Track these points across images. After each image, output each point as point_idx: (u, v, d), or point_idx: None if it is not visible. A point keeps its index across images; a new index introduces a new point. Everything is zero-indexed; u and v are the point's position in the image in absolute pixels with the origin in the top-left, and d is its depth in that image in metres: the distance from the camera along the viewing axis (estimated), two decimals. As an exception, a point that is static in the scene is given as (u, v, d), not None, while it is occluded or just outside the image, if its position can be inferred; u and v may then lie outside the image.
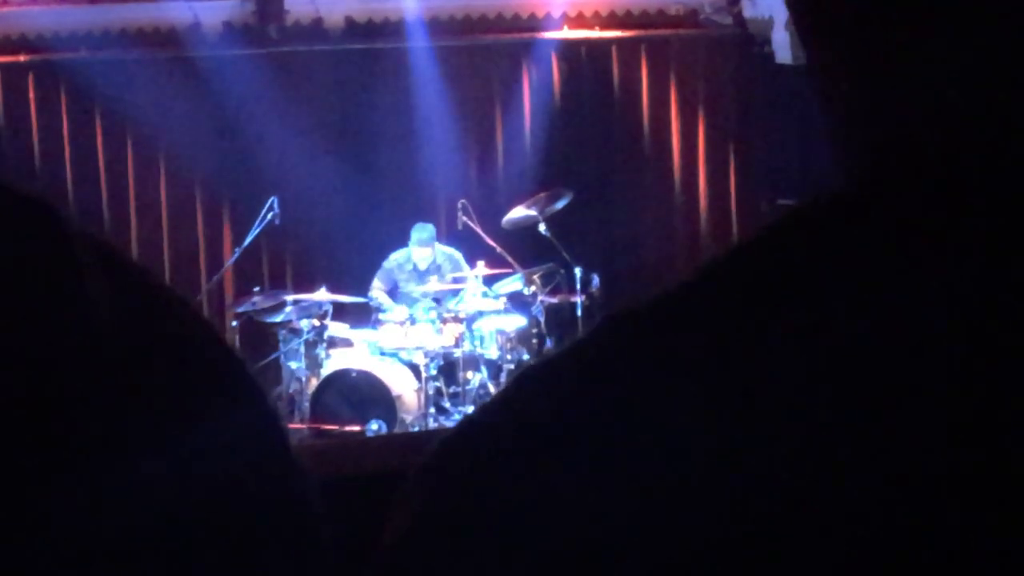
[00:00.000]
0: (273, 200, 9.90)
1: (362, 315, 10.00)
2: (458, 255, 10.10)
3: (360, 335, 9.71)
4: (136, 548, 0.74)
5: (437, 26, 11.32)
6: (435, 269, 9.94)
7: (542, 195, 10.16)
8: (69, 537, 0.72)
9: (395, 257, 10.05)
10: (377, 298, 9.89)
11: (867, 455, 0.63)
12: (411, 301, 9.76)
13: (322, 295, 9.51)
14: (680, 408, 0.66)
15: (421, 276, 9.91)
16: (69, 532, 0.72)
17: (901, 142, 0.70)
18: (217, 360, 0.83)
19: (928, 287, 0.65)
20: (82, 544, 0.72)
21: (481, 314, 9.63)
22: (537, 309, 9.70)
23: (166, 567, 0.75)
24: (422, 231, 9.95)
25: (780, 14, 10.81)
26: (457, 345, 9.49)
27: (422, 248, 9.90)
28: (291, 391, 9.48)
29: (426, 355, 9.36)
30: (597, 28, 11.57)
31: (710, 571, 0.64)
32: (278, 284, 10.83)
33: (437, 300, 9.70)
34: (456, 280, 9.87)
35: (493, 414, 0.73)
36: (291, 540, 0.81)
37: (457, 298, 9.74)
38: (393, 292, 10.03)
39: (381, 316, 9.67)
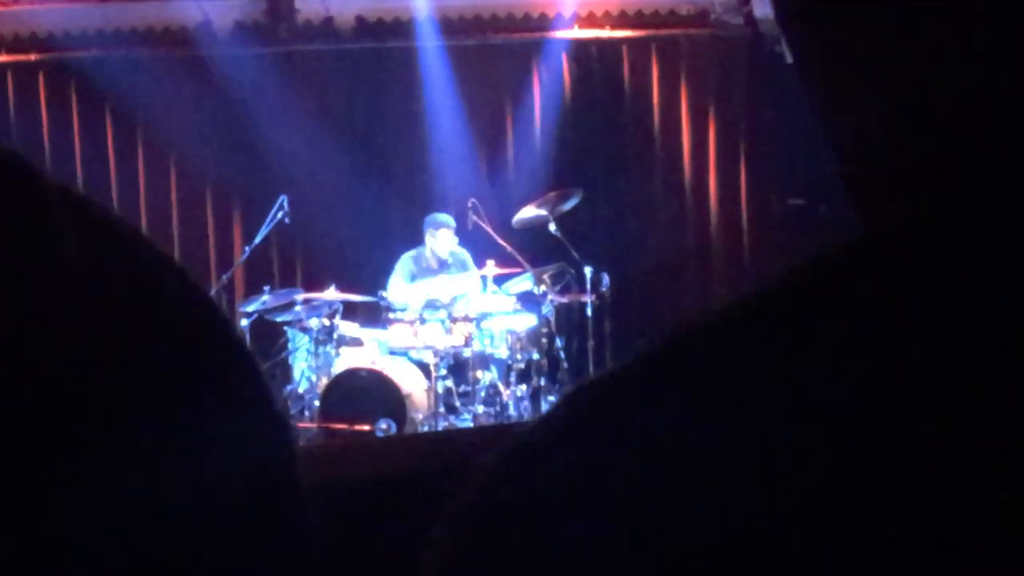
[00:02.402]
0: (283, 199, 9.90)
1: (372, 314, 9.99)
2: (466, 255, 10.07)
3: (370, 334, 9.70)
4: (125, 542, 0.70)
5: (447, 25, 11.32)
6: (445, 266, 9.92)
7: (552, 194, 10.15)
8: (45, 534, 0.67)
9: (408, 254, 10.03)
10: (392, 297, 9.81)
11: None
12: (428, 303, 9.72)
13: (332, 294, 9.51)
14: (738, 438, 0.65)
15: (438, 267, 9.87)
16: (45, 530, 0.68)
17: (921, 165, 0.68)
18: (217, 341, 0.77)
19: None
20: (60, 542, 0.68)
21: (491, 313, 9.62)
22: (547, 308, 9.69)
23: (154, 565, 0.71)
24: (440, 215, 9.97)
25: (791, 14, 10.78)
26: (467, 344, 9.48)
27: (447, 231, 9.87)
28: (301, 390, 9.48)
29: (436, 354, 9.35)
30: (608, 28, 11.56)
31: None
32: (288, 283, 10.83)
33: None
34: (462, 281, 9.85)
35: (541, 443, 0.70)
36: (284, 554, 0.77)
37: (464, 299, 9.72)
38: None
39: (391, 315, 9.66)
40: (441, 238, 9.89)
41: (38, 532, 0.67)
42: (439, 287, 9.70)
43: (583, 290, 9.78)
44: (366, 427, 9.00)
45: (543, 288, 9.67)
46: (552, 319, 9.73)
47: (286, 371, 9.67)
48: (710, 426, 0.65)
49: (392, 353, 9.53)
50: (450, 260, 9.95)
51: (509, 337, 9.52)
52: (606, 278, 9.77)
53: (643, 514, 0.64)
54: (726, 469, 0.64)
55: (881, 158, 0.70)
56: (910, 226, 0.68)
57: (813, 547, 0.62)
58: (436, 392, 9.30)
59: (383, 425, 9.01)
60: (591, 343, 9.85)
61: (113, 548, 0.70)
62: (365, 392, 9.11)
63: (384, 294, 9.76)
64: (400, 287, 9.89)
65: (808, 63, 0.73)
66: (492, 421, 9.18)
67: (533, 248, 10.07)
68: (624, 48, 11.60)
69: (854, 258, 0.68)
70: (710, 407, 0.66)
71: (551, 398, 9.44)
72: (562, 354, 9.77)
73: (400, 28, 11.30)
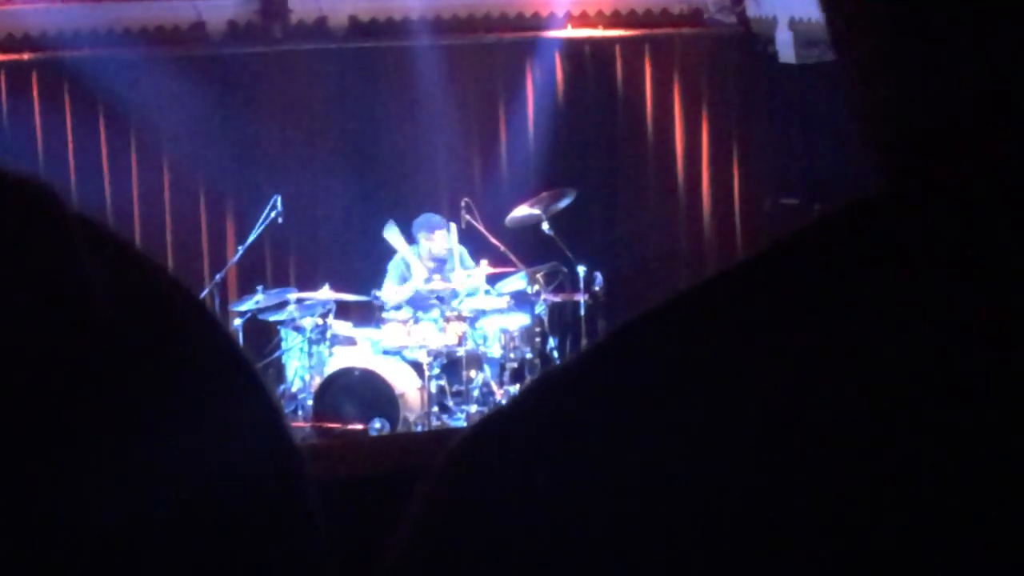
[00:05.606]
0: (276, 198, 9.90)
1: (365, 313, 9.99)
2: (463, 250, 10.04)
3: (363, 333, 9.70)
4: (134, 541, 0.73)
5: (441, 25, 11.32)
6: (443, 263, 9.88)
7: (545, 194, 10.16)
8: (68, 527, 0.71)
9: (399, 256, 9.98)
10: (385, 297, 9.76)
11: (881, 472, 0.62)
12: (417, 299, 9.71)
13: (325, 293, 9.51)
14: (694, 417, 0.65)
15: (435, 266, 9.82)
16: (67, 523, 0.71)
17: (934, 141, 0.69)
18: (219, 349, 0.82)
19: (948, 299, 0.64)
20: (79, 535, 0.71)
21: (484, 313, 9.62)
22: (541, 308, 9.70)
23: (165, 561, 0.74)
24: (432, 217, 9.92)
25: (783, 14, 10.81)
26: (460, 343, 9.47)
27: (442, 231, 9.81)
28: (294, 390, 9.48)
29: (429, 353, 9.35)
30: (601, 27, 11.57)
31: None
32: (281, 282, 10.81)
33: (441, 299, 9.67)
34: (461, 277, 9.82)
35: (500, 422, 0.72)
36: (292, 538, 0.80)
37: (459, 297, 9.70)
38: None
39: (384, 314, 9.65)
40: (437, 239, 9.83)
41: (53, 526, 0.71)
42: (430, 287, 9.66)
43: (576, 289, 9.79)
44: (359, 426, 9.00)
45: (536, 287, 9.68)
46: (545, 318, 9.74)
47: (279, 371, 9.67)
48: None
49: (385, 352, 9.53)
50: (447, 257, 9.90)
51: (503, 336, 9.53)
52: (599, 277, 9.78)
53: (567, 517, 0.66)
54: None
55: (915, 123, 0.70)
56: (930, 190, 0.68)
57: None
58: (429, 391, 9.31)
59: (376, 424, 9.02)
60: (584, 342, 9.84)
61: (122, 544, 0.73)
62: (358, 391, 9.12)
63: (378, 293, 9.75)
64: (392, 289, 9.85)
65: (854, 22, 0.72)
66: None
67: (526, 247, 10.08)
68: (617, 47, 11.61)
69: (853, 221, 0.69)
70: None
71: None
72: (555, 353, 9.77)
73: (393, 28, 11.29)
